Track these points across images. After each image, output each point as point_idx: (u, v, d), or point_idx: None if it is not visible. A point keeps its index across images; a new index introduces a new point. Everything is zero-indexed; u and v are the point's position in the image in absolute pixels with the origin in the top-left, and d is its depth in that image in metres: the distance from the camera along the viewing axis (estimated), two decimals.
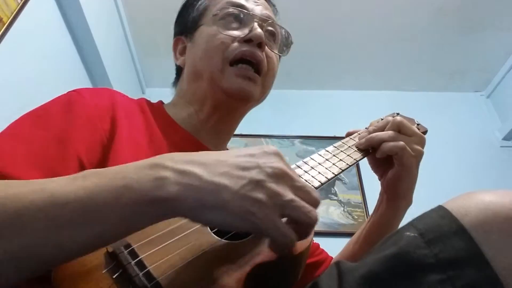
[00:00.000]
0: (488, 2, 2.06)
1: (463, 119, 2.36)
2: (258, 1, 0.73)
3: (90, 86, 1.93)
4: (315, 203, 0.38)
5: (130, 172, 0.35)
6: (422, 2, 2.09)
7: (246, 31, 0.67)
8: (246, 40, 0.67)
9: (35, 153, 0.47)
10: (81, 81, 1.86)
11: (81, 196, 0.33)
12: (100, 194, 0.33)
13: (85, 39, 1.78)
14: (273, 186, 0.36)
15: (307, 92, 2.49)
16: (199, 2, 0.74)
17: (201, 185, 0.34)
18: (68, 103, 0.55)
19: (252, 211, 0.34)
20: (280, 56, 0.78)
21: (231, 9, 0.69)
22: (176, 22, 0.79)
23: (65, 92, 0.59)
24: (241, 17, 0.69)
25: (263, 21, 0.70)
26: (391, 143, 0.61)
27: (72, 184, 0.34)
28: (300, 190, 0.38)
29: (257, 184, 0.35)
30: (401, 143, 0.60)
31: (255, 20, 0.68)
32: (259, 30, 0.67)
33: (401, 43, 2.26)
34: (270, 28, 0.72)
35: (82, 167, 0.49)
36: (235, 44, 0.67)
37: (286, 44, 0.79)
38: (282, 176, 0.37)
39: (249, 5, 0.71)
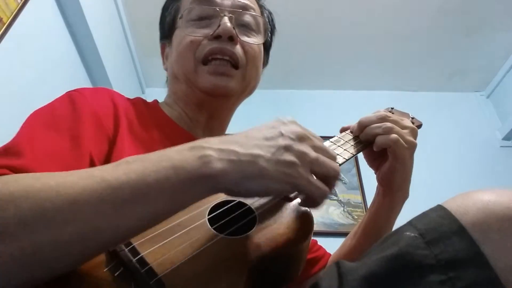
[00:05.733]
0: (488, 2, 2.06)
1: (463, 119, 2.36)
2: None
3: (90, 86, 1.93)
4: (334, 158, 0.44)
5: (173, 154, 0.37)
6: (422, 2, 2.09)
7: (214, 27, 0.66)
8: (216, 37, 0.65)
9: (54, 154, 0.48)
10: (81, 81, 1.86)
11: (133, 178, 0.35)
12: (150, 176, 0.35)
13: (85, 39, 1.78)
14: (299, 147, 0.40)
15: (307, 92, 2.49)
16: (171, 6, 0.74)
17: (240, 158, 0.38)
18: (72, 103, 0.56)
19: (288, 173, 0.38)
20: (266, 44, 0.76)
21: (196, 8, 0.68)
22: (159, 27, 0.79)
23: (65, 93, 0.59)
24: (208, 14, 0.67)
25: (233, 12, 0.67)
26: (384, 136, 0.61)
27: (118, 169, 0.36)
28: (320, 148, 0.43)
29: (285, 148, 0.40)
30: (394, 135, 0.61)
31: (224, 13, 0.66)
32: (227, 24, 0.65)
33: (401, 43, 2.26)
34: (242, 18, 0.69)
35: (92, 165, 0.50)
36: (205, 42, 0.66)
37: (272, 26, 0.78)
38: (304, 138, 0.42)
39: None
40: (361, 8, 2.13)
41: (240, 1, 0.69)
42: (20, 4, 1.38)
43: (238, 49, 0.67)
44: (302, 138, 0.42)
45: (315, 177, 0.41)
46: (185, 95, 0.70)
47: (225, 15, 0.66)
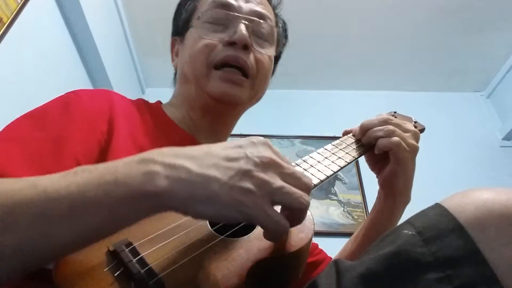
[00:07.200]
0: (488, 2, 2.06)
1: (463, 119, 2.35)
2: None
3: (90, 86, 1.94)
4: (306, 188, 0.39)
5: (120, 167, 0.35)
6: (423, 2, 2.09)
7: (230, 33, 0.65)
8: (231, 43, 0.65)
9: (32, 154, 0.47)
10: (81, 81, 1.87)
11: (72, 192, 0.33)
12: (91, 190, 0.33)
13: (85, 39, 1.78)
14: (261, 175, 0.36)
15: (307, 92, 2.49)
16: (188, 3, 0.73)
17: (190, 178, 0.35)
18: (65, 104, 0.56)
19: (242, 201, 0.35)
20: (276, 55, 0.76)
21: (214, 11, 0.67)
22: (172, 22, 0.78)
23: (63, 93, 0.59)
24: (225, 19, 0.67)
25: (250, 20, 0.67)
26: (386, 139, 0.61)
27: (63, 180, 0.34)
28: (290, 176, 0.38)
29: (245, 174, 0.36)
30: (396, 138, 0.60)
31: (241, 20, 0.66)
32: (243, 31, 0.64)
33: (401, 43, 2.26)
34: (258, 27, 0.69)
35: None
36: (219, 47, 0.65)
37: (285, 37, 0.78)
38: (270, 165, 0.38)
39: (237, 3, 0.68)
40: (361, 8, 2.13)
41: (258, 10, 0.69)
42: (20, 4, 1.38)
43: (250, 58, 0.66)
44: (267, 164, 0.37)
45: (279, 209, 0.38)
46: (192, 98, 0.70)
47: (242, 22, 0.65)
